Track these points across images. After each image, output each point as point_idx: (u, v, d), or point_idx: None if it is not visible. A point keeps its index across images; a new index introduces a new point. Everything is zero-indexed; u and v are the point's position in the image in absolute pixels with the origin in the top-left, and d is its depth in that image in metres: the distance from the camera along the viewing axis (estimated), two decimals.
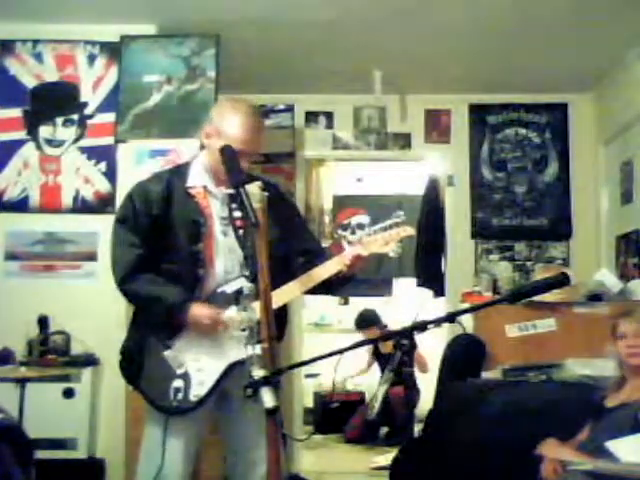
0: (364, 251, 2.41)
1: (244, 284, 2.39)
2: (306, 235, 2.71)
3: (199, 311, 2.38)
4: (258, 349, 1.86)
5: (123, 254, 2.45)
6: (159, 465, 2.34)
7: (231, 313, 2.39)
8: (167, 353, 2.41)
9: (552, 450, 2.63)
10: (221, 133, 2.43)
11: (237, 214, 2.46)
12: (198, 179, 2.52)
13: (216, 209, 2.50)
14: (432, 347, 5.76)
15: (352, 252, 2.41)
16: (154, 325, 2.43)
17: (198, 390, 2.39)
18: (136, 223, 2.45)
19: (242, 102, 2.52)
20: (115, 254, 2.48)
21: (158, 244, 2.44)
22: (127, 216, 2.47)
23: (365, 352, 6.59)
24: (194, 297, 2.41)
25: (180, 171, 2.57)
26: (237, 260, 2.47)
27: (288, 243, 2.51)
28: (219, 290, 2.44)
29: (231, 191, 2.46)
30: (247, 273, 2.42)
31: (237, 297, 2.40)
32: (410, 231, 2.46)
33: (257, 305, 1.99)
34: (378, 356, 6.53)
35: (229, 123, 2.43)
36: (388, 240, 2.42)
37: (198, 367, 2.40)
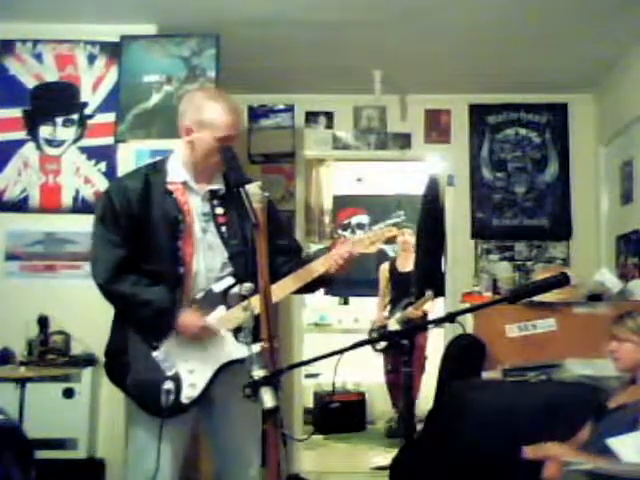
0: (353, 250, 2.40)
1: (232, 283, 2.37)
2: (285, 233, 2.68)
3: (188, 319, 2.33)
4: (257, 348, 1.84)
5: (105, 254, 2.39)
6: (152, 469, 2.28)
7: (220, 314, 2.36)
8: (156, 354, 2.35)
9: (553, 450, 2.62)
10: (206, 124, 2.39)
11: (219, 210, 2.45)
12: (177, 175, 2.47)
13: (195, 205, 2.45)
14: (432, 347, 5.79)
15: (341, 253, 2.41)
16: (140, 327, 2.37)
17: (190, 392, 2.35)
18: (116, 222, 2.40)
19: (211, 89, 2.50)
20: (97, 254, 2.43)
21: (138, 242, 2.39)
22: (107, 215, 2.42)
23: (381, 278, 6.05)
24: (181, 299, 2.36)
25: (158, 167, 2.51)
26: (219, 258, 2.43)
27: (270, 242, 2.49)
28: (206, 289, 2.40)
29: (214, 187, 2.47)
30: (234, 272, 2.40)
31: (224, 296, 2.37)
32: (394, 231, 2.48)
33: (255, 303, 1.98)
34: (394, 278, 6.05)
35: (210, 112, 2.39)
36: (374, 240, 2.44)
37: (189, 368, 2.36)
